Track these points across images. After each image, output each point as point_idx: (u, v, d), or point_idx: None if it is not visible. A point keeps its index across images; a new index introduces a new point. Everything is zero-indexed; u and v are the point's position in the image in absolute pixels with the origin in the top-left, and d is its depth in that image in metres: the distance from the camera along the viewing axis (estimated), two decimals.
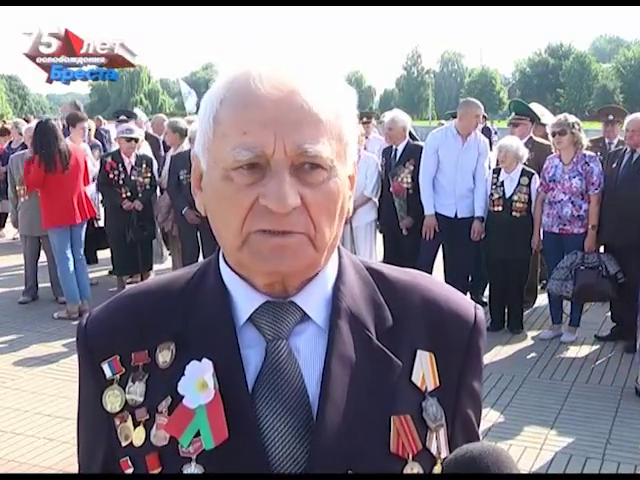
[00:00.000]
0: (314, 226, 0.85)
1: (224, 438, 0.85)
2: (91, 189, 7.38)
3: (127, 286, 7.23)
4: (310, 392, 0.88)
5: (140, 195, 7.15)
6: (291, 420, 0.87)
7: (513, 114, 7.44)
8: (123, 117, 8.87)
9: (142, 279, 7.47)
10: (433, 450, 0.91)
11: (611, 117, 6.88)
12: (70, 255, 6.69)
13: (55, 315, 6.67)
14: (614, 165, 5.84)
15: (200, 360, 0.88)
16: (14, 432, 4.39)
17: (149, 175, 7.22)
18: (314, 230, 0.85)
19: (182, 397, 0.87)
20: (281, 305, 0.91)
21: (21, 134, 9.08)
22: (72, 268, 6.66)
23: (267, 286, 0.90)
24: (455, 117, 6.81)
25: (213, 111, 0.86)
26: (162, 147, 8.80)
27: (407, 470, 0.89)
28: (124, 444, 0.91)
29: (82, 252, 6.89)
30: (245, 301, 0.92)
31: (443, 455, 0.92)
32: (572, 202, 5.76)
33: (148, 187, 7.24)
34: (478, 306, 1.02)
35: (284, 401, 0.87)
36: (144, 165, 7.19)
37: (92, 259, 8.12)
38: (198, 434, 0.86)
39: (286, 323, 0.90)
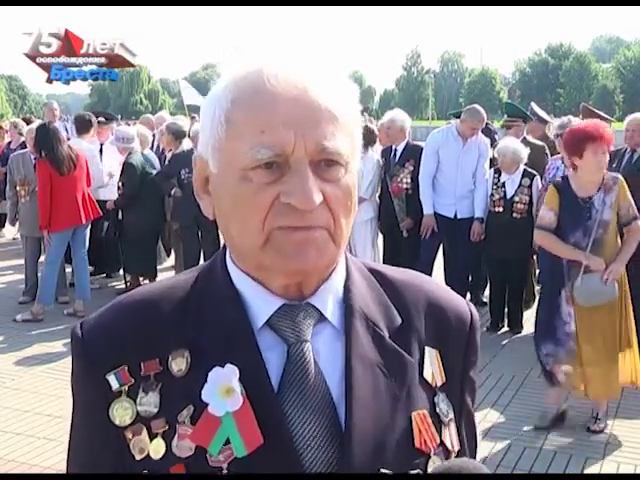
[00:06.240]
0: (334, 221, 0.85)
1: (258, 444, 0.83)
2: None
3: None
4: (333, 393, 0.88)
5: (116, 198, 7.28)
6: (320, 422, 0.86)
7: (505, 116, 7.48)
8: (102, 119, 8.77)
9: (125, 280, 7.58)
10: (448, 444, 0.94)
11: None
12: (61, 258, 6.77)
13: (18, 317, 6.61)
14: (614, 165, 5.84)
15: (223, 366, 0.85)
16: (14, 432, 4.39)
17: (123, 182, 7.18)
18: (334, 225, 0.85)
19: (206, 405, 0.85)
20: (299, 307, 0.90)
21: (21, 134, 9.07)
22: (57, 272, 6.74)
23: (284, 288, 0.89)
24: (458, 117, 6.83)
25: (224, 111, 0.84)
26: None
27: (430, 464, 0.90)
28: (138, 457, 0.87)
29: (85, 252, 6.92)
30: (261, 304, 0.90)
31: (456, 448, 0.95)
32: None
33: (120, 192, 7.22)
34: (469, 302, 1.05)
35: (311, 404, 0.87)
36: (122, 171, 7.20)
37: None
38: (227, 442, 0.84)
39: (306, 325, 0.89)
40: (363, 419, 0.87)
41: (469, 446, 1.01)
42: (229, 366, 0.85)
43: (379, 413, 0.88)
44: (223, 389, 0.84)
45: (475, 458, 1.02)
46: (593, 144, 3.99)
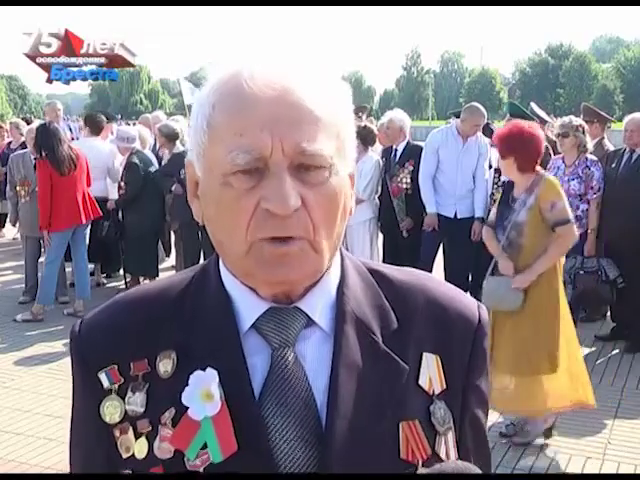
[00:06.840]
0: (313, 228, 0.82)
1: (233, 451, 0.82)
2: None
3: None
4: (317, 399, 0.86)
5: (118, 197, 7.30)
6: (300, 430, 0.85)
7: (508, 116, 7.47)
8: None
9: (125, 280, 7.58)
10: (442, 454, 0.90)
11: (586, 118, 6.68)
12: (62, 258, 6.77)
13: (18, 317, 6.62)
14: (613, 165, 5.85)
15: (204, 370, 0.85)
16: (14, 432, 4.39)
17: (125, 182, 7.20)
18: (313, 232, 0.82)
19: (186, 408, 0.84)
20: (286, 311, 0.88)
21: (22, 134, 9.07)
22: (57, 271, 6.75)
23: (271, 294, 0.88)
24: (458, 117, 6.82)
25: (206, 116, 0.84)
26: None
27: None
28: (125, 456, 0.88)
29: (85, 252, 6.93)
30: (248, 307, 0.89)
31: (452, 459, 0.91)
32: (569, 203, 5.74)
33: (122, 192, 7.23)
34: (481, 305, 1.00)
35: (292, 410, 0.85)
36: (125, 171, 7.24)
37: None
38: (205, 446, 0.84)
39: (292, 329, 0.88)
40: (344, 427, 0.85)
41: (476, 456, 0.96)
42: (210, 370, 0.84)
43: (363, 421, 0.86)
44: (203, 393, 0.84)
45: (489, 470, 0.98)
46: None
